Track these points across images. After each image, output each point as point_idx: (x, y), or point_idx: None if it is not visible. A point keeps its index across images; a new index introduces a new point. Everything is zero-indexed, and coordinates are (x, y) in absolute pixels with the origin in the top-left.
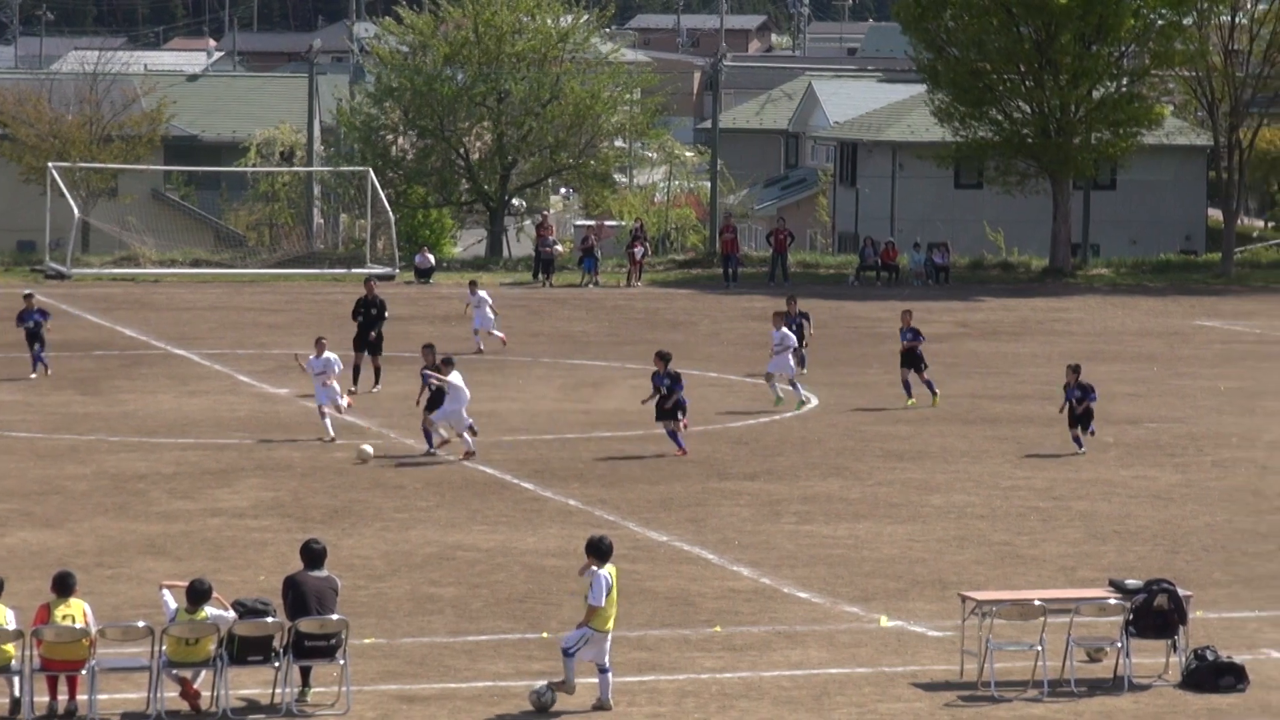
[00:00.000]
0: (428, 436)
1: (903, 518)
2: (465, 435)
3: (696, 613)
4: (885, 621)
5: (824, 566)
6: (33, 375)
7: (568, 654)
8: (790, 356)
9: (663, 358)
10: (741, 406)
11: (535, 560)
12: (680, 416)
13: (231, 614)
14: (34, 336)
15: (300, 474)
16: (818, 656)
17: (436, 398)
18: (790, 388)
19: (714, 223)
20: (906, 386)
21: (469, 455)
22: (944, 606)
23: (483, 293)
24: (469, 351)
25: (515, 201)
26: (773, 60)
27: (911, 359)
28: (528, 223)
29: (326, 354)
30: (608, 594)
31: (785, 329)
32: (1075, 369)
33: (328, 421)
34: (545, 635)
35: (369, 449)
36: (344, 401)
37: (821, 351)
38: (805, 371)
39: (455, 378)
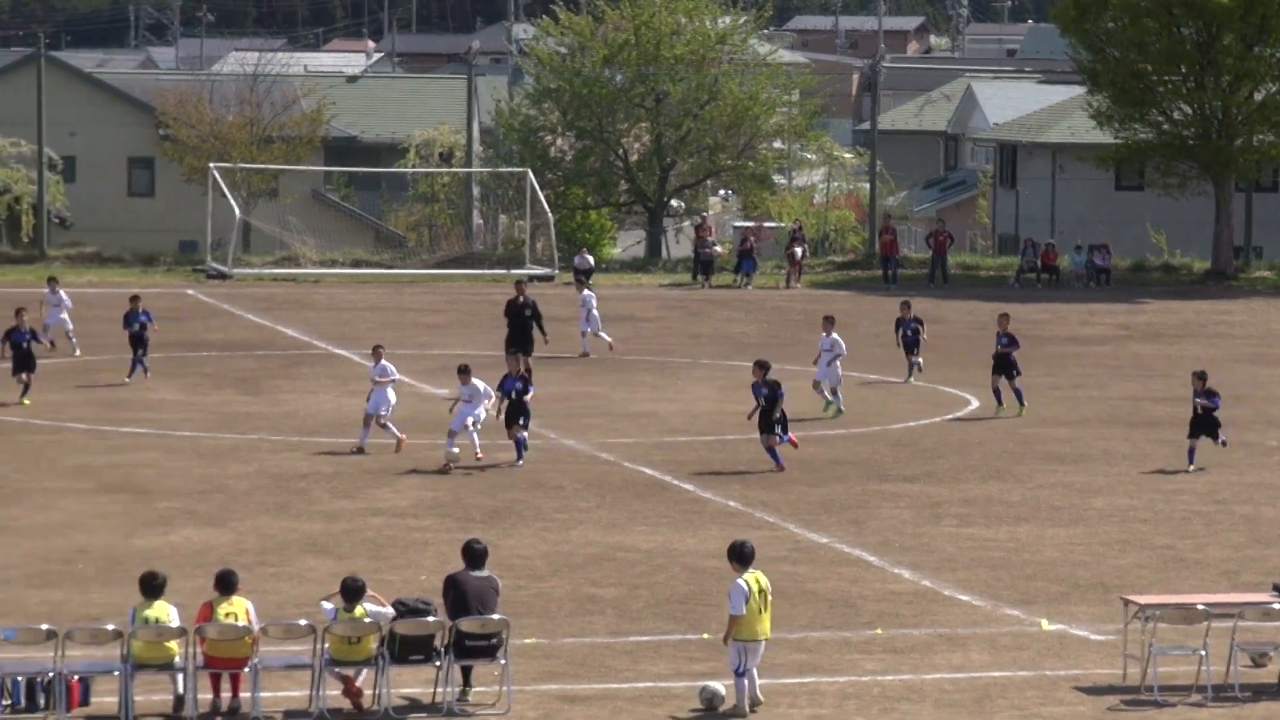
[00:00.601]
0: (519, 447)
1: (1064, 521)
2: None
3: (857, 615)
4: (1047, 625)
5: (985, 569)
6: (128, 379)
7: (739, 674)
8: (839, 364)
9: (762, 366)
10: (901, 409)
11: (696, 561)
12: (783, 434)
13: (390, 610)
14: (138, 340)
15: (460, 474)
16: (979, 659)
17: (516, 408)
18: (832, 397)
19: (873, 224)
20: (996, 394)
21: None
22: (1106, 610)
23: (588, 292)
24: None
25: (674, 203)
26: (931, 61)
27: (1004, 365)
28: (687, 224)
29: (383, 361)
30: (747, 601)
31: (835, 335)
32: (1201, 375)
33: (391, 427)
34: (706, 636)
35: (455, 450)
36: (392, 428)
37: (979, 353)
38: (919, 376)
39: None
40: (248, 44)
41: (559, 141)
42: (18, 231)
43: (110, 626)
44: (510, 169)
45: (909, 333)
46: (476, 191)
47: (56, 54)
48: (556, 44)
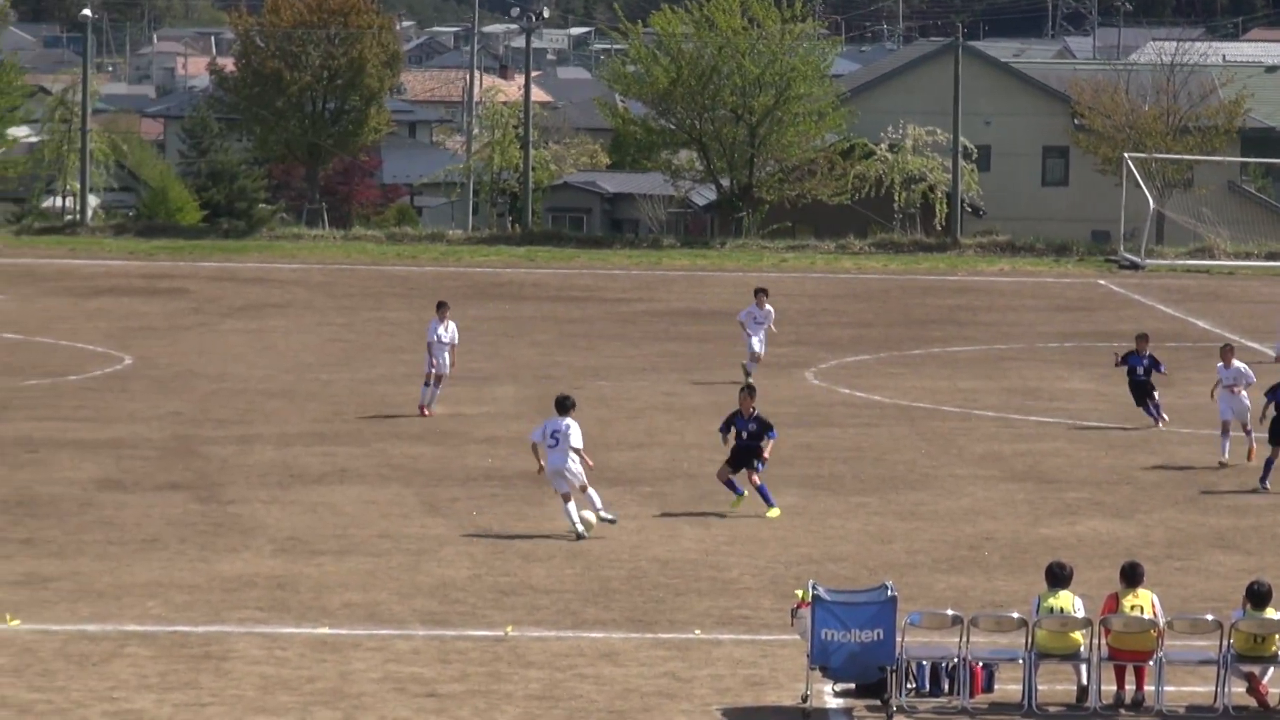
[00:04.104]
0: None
1: None
2: None
3: None
4: None
5: None
6: (1158, 424)
7: None
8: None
9: None
10: None
11: None
12: None
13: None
14: (1144, 388)
15: None
16: None
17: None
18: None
19: None
20: None
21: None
22: None
23: None
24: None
25: None
26: None
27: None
28: None
29: (1235, 363)
30: None
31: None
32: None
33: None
34: None
35: None
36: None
37: None
38: None
39: None
40: (1165, 33)
41: None
42: (932, 219)
43: (1015, 614)
44: None
45: None
46: None
47: (974, 43)
48: None
